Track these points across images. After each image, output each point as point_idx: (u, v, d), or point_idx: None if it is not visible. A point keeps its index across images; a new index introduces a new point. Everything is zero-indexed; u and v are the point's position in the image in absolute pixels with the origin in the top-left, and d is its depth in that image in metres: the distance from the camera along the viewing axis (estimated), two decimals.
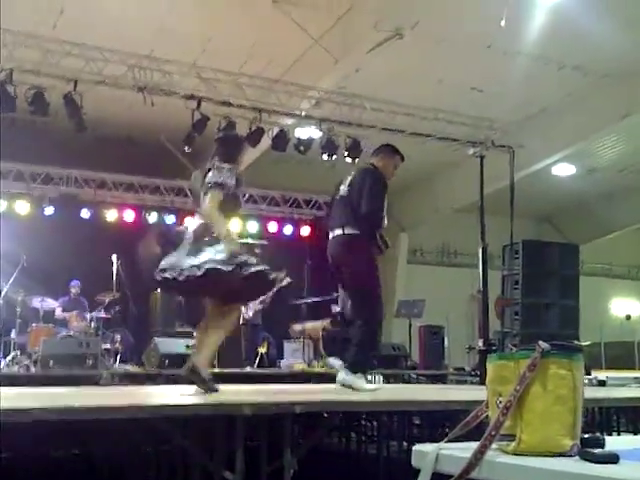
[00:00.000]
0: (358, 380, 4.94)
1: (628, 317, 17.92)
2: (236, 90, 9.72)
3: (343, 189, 5.27)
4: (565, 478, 1.28)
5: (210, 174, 4.55)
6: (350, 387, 4.87)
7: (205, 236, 4.44)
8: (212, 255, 4.30)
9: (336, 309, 10.18)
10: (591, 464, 1.32)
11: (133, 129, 11.75)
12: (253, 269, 4.31)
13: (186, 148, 10.12)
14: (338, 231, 5.13)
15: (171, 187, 12.78)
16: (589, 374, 7.30)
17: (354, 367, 4.99)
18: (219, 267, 4.24)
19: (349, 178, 5.31)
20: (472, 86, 10.86)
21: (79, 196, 12.10)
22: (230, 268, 4.25)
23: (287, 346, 11.01)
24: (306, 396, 4.09)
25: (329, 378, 7.35)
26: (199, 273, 4.24)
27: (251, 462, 3.51)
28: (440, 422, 5.73)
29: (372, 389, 5.12)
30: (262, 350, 10.72)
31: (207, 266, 4.25)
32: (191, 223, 4.66)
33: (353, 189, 5.17)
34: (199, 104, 9.47)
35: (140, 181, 12.47)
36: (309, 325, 10.43)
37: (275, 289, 5.97)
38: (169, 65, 9.23)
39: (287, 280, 4.74)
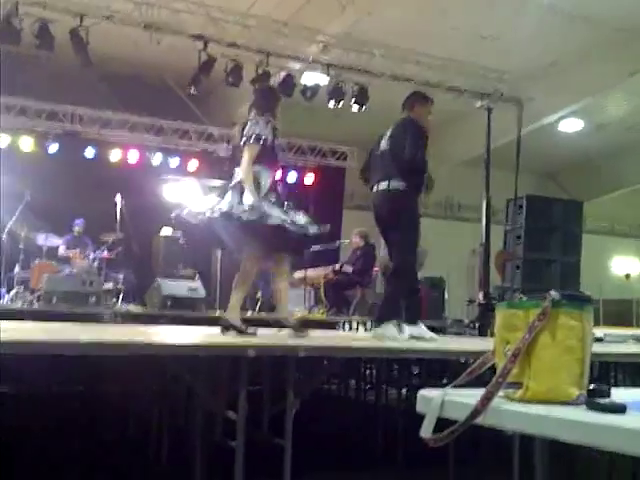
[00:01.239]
0: (420, 329, 5.02)
1: (627, 276, 17.98)
2: (244, 32, 9.57)
3: (384, 144, 5.26)
4: (573, 426, 1.29)
5: (247, 127, 4.61)
6: (420, 337, 4.93)
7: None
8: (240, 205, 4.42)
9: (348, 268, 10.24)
10: (598, 413, 1.33)
11: (139, 68, 11.61)
12: (277, 221, 4.41)
13: (192, 90, 10.01)
14: (383, 185, 5.14)
15: (175, 129, 12.68)
16: None
17: (412, 318, 5.07)
18: (244, 217, 4.37)
19: (388, 133, 5.29)
20: (483, 35, 10.69)
21: (83, 134, 12.01)
22: (253, 217, 4.35)
23: (291, 293, 11.03)
24: (309, 341, 4.13)
25: (329, 325, 7.43)
26: (234, 216, 4.39)
27: (254, 404, 3.57)
28: (439, 372, 5.82)
29: (435, 337, 5.14)
30: (258, 295, 10.74)
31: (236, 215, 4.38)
32: (237, 172, 4.69)
33: (394, 142, 5.16)
34: (206, 45, 9.34)
35: (145, 121, 12.36)
36: (310, 273, 10.52)
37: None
38: (177, 3, 9.08)
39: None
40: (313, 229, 4.62)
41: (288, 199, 4.80)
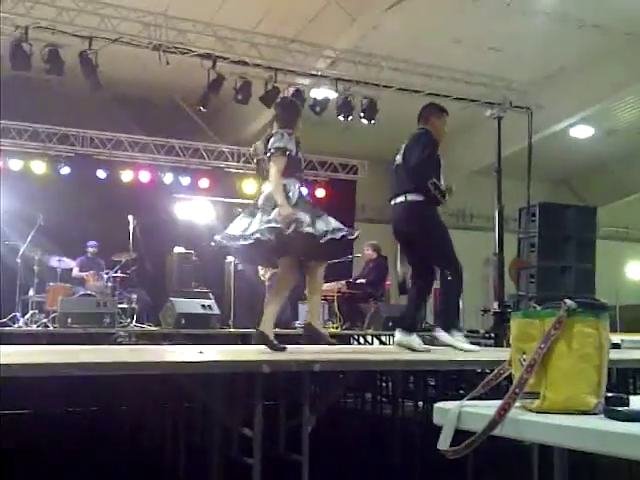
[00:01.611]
0: (456, 338, 5.07)
1: None
2: (251, 49, 9.64)
3: (398, 158, 5.26)
4: (591, 436, 1.27)
5: (272, 140, 4.66)
6: (452, 346, 4.99)
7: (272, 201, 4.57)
8: (272, 218, 4.46)
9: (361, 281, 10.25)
10: (617, 422, 1.31)
11: (148, 89, 11.70)
12: (309, 229, 4.44)
13: (201, 108, 10.07)
14: (400, 199, 5.15)
15: (186, 148, 12.74)
16: None
17: (451, 325, 5.14)
18: (278, 227, 4.40)
19: (402, 146, 5.29)
20: (490, 46, 10.70)
21: (95, 156, 12.10)
22: (287, 229, 4.39)
23: (302, 307, 11.04)
24: (323, 355, 4.11)
25: (343, 339, 7.41)
26: (264, 237, 4.40)
27: (268, 419, 3.55)
28: (455, 384, 5.77)
29: (471, 349, 5.12)
30: None
31: (269, 226, 4.41)
32: (266, 188, 4.71)
33: (407, 155, 5.16)
34: (214, 63, 9.40)
35: (155, 142, 12.44)
36: (324, 286, 10.46)
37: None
38: (184, 23, 9.16)
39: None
40: (345, 233, 4.61)
41: None
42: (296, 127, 4.84)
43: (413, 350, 4.90)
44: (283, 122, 4.81)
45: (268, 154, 4.64)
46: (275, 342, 4.49)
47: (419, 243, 5.21)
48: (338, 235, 4.53)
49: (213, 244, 4.73)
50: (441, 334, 5.11)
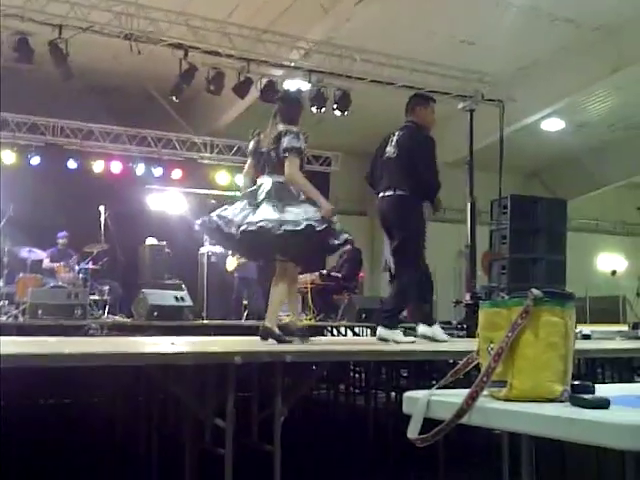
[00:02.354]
0: (435, 329, 5.16)
1: (613, 272, 18.11)
2: (224, 40, 9.58)
3: (390, 150, 5.26)
4: (557, 423, 1.29)
5: (286, 139, 4.60)
6: (432, 338, 5.07)
7: (285, 196, 4.56)
8: (304, 214, 4.46)
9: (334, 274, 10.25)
10: (582, 409, 1.33)
11: (120, 78, 11.58)
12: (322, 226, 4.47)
13: (174, 98, 10.00)
14: (389, 192, 5.19)
15: (159, 138, 12.65)
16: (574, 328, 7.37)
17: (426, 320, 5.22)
18: (315, 225, 4.41)
19: (394, 139, 5.29)
20: (463, 39, 10.75)
21: (65, 146, 11.96)
22: (323, 227, 4.44)
23: None
24: (295, 346, 4.13)
25: (317, 330, 7.43)
26: (297, 228, 4.38)
27: (242, 410, 3.56)
28: (428, 374, 5.82)
29: (446, 339, 5.22)
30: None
31: (304, 223, 4.40)
32: (266, 182, 4.66)
33: (401, 151, 5.18)
34: (186, 53, 9.34)
35: (127, 132, 12.33)
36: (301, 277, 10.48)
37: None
38: (156, 12, 9.07)
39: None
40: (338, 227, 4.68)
41: None
42: (299, 123, 4.83)
43: (397, 343, 4.94)
44: (287, 117, 4.76)
45: (282, 153, 4.58)
46: (280, 334, 4.50)
47: (397, 234, 5.24)
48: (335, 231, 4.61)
49: (199, 224, 4.67)
50: (421, 328, 5.20)
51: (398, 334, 4.99)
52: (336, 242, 4.65)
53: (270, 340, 4.44)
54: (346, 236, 4.67)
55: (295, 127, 4.72)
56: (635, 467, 1.44)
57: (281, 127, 4.69)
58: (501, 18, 9.98)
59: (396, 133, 5.35)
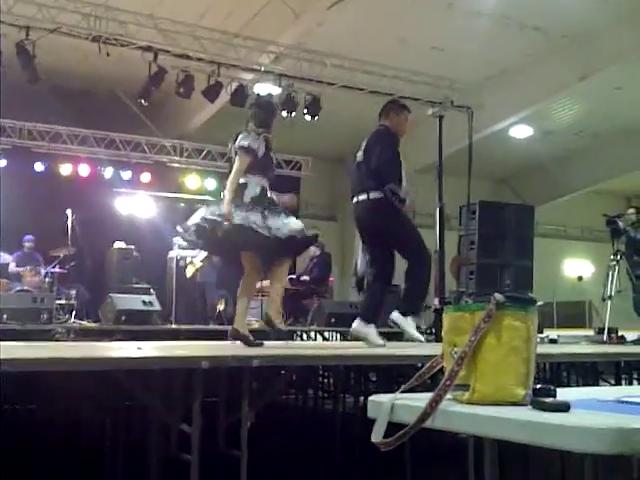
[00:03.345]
0: (408, 324, 5.27)
1: (580, 278, 18.33)
2: (194, 43, 9.55)
3: (359, 155, 5.30)
4: (517, 425, 1.30)
5: (239, 137, 4.76)
6: (404, 330, 5.23)
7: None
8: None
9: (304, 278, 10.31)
10: (542, 412, 1.34)
11: (88, 81, 11.48)
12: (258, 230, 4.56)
13: (143, 101, 9.93)
14: (362, 196, 5.19)
15: (127, 141, 12.54)
16: (541, 333, 7.45)
17: (409, 310, 5.35)
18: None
19: (363, 143, 5.33)
20: (433, 45, 10.83)
21: (32, 149, 11.81)
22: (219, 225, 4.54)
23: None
24: (263, 351, 4.12)
25: (285, 336, 7.39)
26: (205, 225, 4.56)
27: (209, 416, 3.53)
28: (396, 378, 5.83)
29: (419, 338, 5.31)
30: (220, 308, 10.69)
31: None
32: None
33: (367, 153, 5.20)
34: (156, 56, 9.30)
35: (95, 134, 12.21)
36: (267, 283, 10.45)
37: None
38: (125, 15, 9.01)
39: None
40: (303, 235, 4.84)
41: None
42: (270, 127, 4.98)
43: (367, 342, 4.98)
44: (259, 121, 4.92)
45: (234, 152, 4.75)
46: (250, 337, 4.55)
47: (387, 238, 5.26)
48: (296, 235, 4.72)
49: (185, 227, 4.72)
50: (395, 315, 5.25)
51: (371, 332, 5.08)
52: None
53: (238, 342, 4.45)
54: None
55: (262, 130, 4.83)
56: (593, 470, 1.45)
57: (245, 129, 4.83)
58: (471, 26, 10.08)
59: (366, 138, 5.39)
